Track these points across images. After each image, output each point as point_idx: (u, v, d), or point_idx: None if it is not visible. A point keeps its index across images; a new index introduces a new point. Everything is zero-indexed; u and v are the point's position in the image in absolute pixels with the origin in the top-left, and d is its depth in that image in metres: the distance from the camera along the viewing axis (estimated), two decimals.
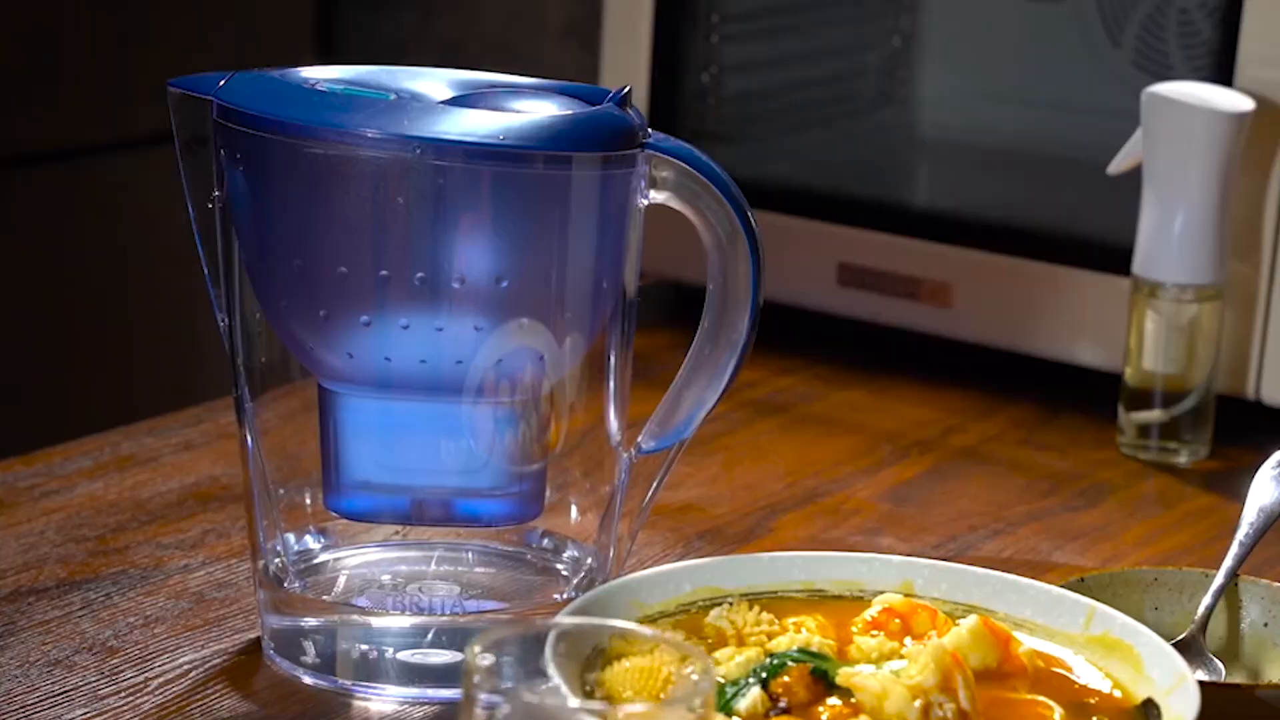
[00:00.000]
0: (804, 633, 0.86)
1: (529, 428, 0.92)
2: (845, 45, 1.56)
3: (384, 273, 0.88)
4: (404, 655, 0.93)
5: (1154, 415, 1.25)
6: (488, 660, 0.72)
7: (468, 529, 0.97)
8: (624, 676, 0.82)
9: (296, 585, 0.95)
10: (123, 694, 0.91)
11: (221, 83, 0.91)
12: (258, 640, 0.97)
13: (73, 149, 1.98)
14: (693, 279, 1.40)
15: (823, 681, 0.82)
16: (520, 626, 0.76)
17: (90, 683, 0.92)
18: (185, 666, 0.94)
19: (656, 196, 0.93)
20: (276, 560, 0.95)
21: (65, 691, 0.91)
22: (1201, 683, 0.81)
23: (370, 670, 0.93)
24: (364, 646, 0.93)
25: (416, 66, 0.95)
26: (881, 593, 0.90)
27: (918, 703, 0.79)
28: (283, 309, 0.91)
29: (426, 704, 0.92)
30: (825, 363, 1.41)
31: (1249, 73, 1.24)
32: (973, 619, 0.86)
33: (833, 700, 0.81)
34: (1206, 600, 0.96)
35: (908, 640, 0.87)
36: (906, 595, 0.90)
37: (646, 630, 0.81)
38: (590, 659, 0.85)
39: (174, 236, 1.78)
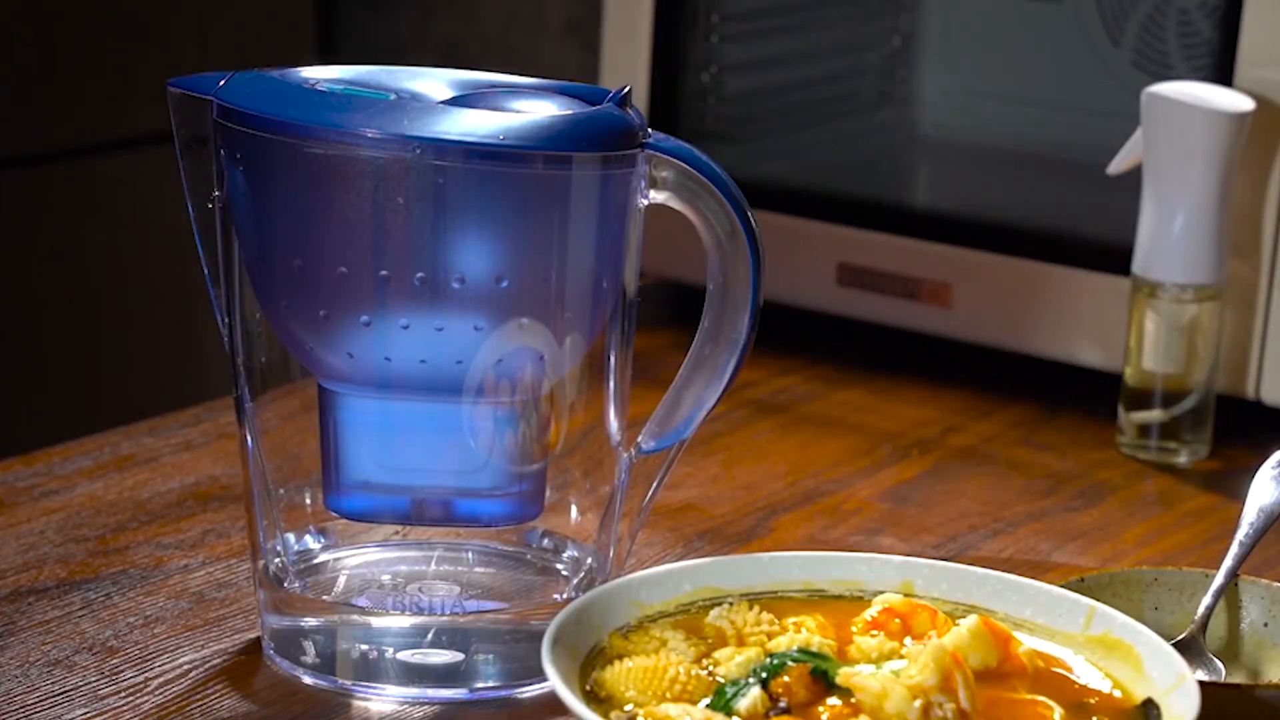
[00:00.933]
0: (804, 633, 0.86)
1: (529, 428, 0.92)
2: (845, 45, 1.56)
3: (384, 273, 0.88)
4: (404, 655, 0.93)
5: (1154, 415, 1.25)
6: None
7: (468, 529, 0.97)
8: (626, 676, 0.83)
9: (296, 585, 0.95)
10: (123, 694, 0.91)
11: (221, 83, 0.91)
12: (258, 640, 0.97)
13: (73, 149, 1.98)
14: (693, 279, 1.40)
15: (823, 681, 0.82)
16: None
17: (90, 683, 0.92)
18: (185, 666, 0.94)
19: (656, 196, 0.93)
20: (276, 560, 0.95)
21: (65, 691, 0.91)
22: (1201, 683, 0.81)
23: (370, 670, 0.93)
24: (364, 646, 0.93)
25: (416, 66, 0.95)
26: (881, 593, 0.90)
27: (918, 703, 0.79)
28: (283, 309, 0.91)
29: (426, 704, 0.92)
30: (825, 363, 1.41)
31: (1249, 73, 1.24)
32: (973, 619, 0.86)
33: (833, 700, 0.81)
34: (1206, 600, 0.96)
35: (908, 640, 0.87)
36: (906, 595, 0.90)
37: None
38: (590, 659, 0.85)
39: (174, 236, 1.78)
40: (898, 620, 0.88)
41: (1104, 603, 0.89)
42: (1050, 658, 0.87)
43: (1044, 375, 1.37)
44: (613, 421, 0.96)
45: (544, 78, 0.95)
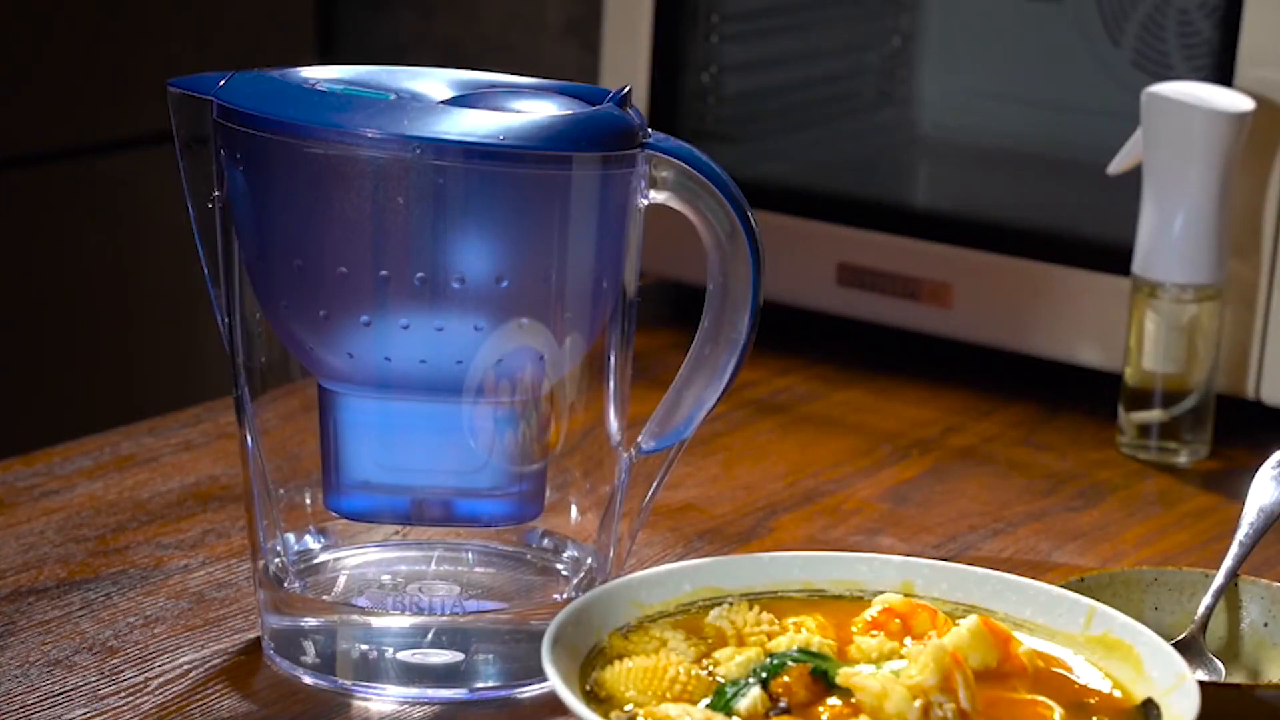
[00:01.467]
0: (804, 633, 0.86)
1: (529, 428, 0.92)
2: (845, 45, 1.56)
3: (384, 273, 0.88)
4: (404, 655, 0.93)
5: (1154, 415, 1.25)
6: None
7: (468, 529, 0.97)
8: (626, 676, 0.83)
9: (296, 585, 0.95)
10: (123, 694, 0.91)
11: (221, 83, 0.91)
12: (258, 640, 0.97)
13: (73, 149, 1.98)
14: (693, 279, 1.40)
15: (823, 681, 0.82)
16: None
17: (90, 683, 0.92)
18: (185, 666, 0.94)
19: (656, 196, 0.93)
20: (276, 560, 0.95)
21: (65, 691, 0.91)
22: (1201, 683, 0.81)
23: (370, 670, 0.93)
24: (364, 646, 0.93)
25: (416, 66, 0.95)
26: (881, 593, 0.90)
27: (918, 703, 0.79)
28: (283, 309, 0.91)
29: (426, 704, 0.92)
30: (825, 363, 1.41)
31: (1249, 73, 1.24)
32: (973, 619, 0.86)
33: (833, 700, 0.81)
34: (1206, 600, 0.96)
35: (908, 640, 0.87)
36: (906, 595, 0.90)
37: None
38: (590, 659, 0.85)
39: (174, 236, 1.78)
40: (898, 620, 0.88)
41: (1104, 603, 0.89)
42: (1050, 658, 0.87)
43: (1044, 375, 1.36)
44: (613, 421, 0.96)
45: (544, 78, 0.95)
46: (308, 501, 0.96)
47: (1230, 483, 1.20)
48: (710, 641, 0.87)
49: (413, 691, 0.92)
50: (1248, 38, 1.24)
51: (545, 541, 0.98)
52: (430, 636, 0.93)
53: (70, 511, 1.11)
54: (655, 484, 0.97)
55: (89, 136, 1.99)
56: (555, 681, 0.80)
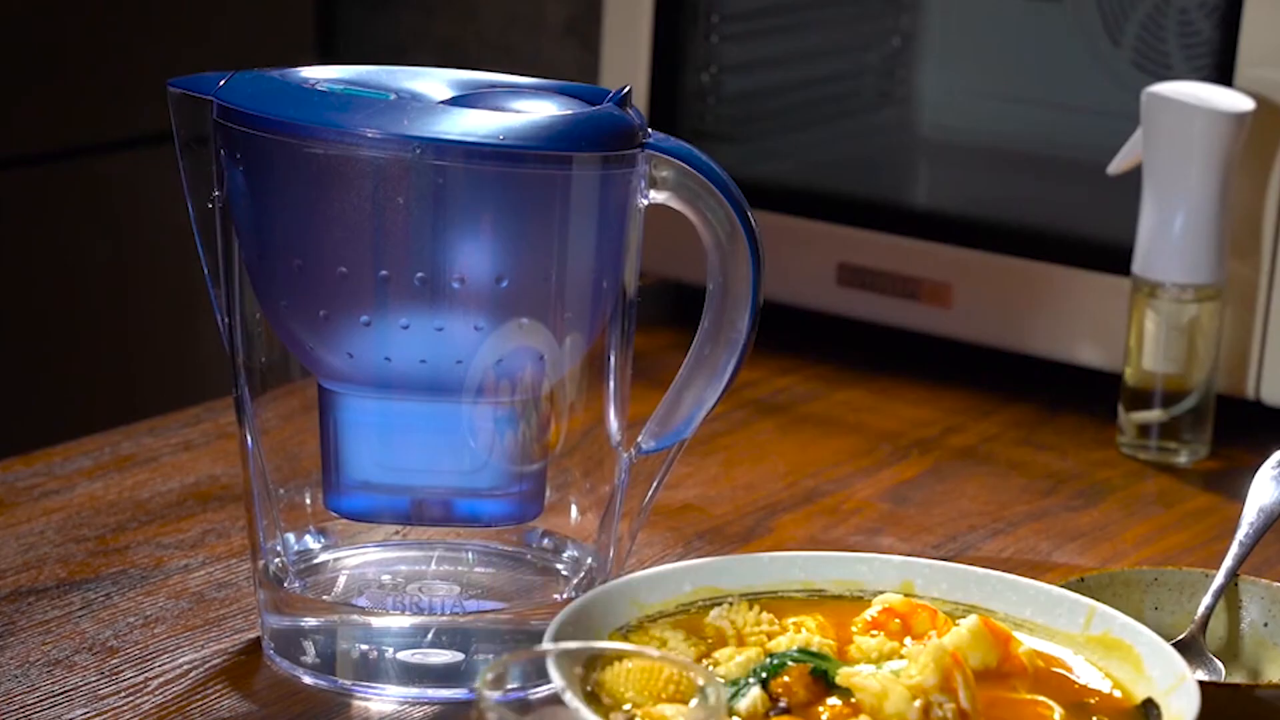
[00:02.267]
0: (804, 633, 0.86)
1: (529, 428, 0.92)
2: (845, 45, 1.56)
3: (384, 273, 0.88)
4: (404, 655, 0.93)
5: (1154, 415, 1.25)
6: (494, 694, 0.73)
7: (468, 529, 0.97)
8: (625, 677, 0.82)
9: (296, 585, 0.95)
10: (123, 694, 0.91)
11: (221, 83, 0.91)
12: (258, 640, 0.97)
13: (73, 149, 1.98)
14: (693, 279, 1.40)
15: (823, 681, 0.82)
16: (520, 654, 0.76)
17: (90, 683, 0.92)
18: (185, 666, 0.94)
19: (656, 196, 0.93)
20: (276, 560, 0.95)
21: (65, 691, 0.91)
22: (1201, 683, 0.81)
23: (370, 670, 0.93)
24: (364, 646, 0.93)
25: (416, 66, 0.95)
26: (881, 593, 0.90)
27: (918, 703, 0.79)
28: (283, 309, 0.91)
29: (426, 704, 0.92)
30: (825, 363, 1.41)
31: (1249, 73, 1.24)
32: (973, 619, 0.86)
33: (833, 700, 0.81)
34: (1206, 600, 0.96)
35: (908, 640, 0.87)
36: (906, 595, 0.90)
37: (649, 650, 0.82)
38: (590, 659, 0.85)
39: (174, 236, 1.78)
40: (898, 620, 0.88)
41: (1104, 603, 0.89)
42: (1050, 658, 0.87)
43: (1044, 375, 1.36)
44: (613, 421, 0.96)
45: (544, 78, 0.95)
46: (308, 501, 0.96)
47: (1230, 483, 1.20)
48: (710, 641, 0.87)
49: (413, 691, 0.92)
50: (1248, 38, 1.24)
51: (545, 541, 0.98)
52: (430, 636, 0.93)
53: (70, 511, 1.11)
54: (655, 484, 0.97)
55: (89, 136, 1.99)
56: (556, 682, 0.80)
